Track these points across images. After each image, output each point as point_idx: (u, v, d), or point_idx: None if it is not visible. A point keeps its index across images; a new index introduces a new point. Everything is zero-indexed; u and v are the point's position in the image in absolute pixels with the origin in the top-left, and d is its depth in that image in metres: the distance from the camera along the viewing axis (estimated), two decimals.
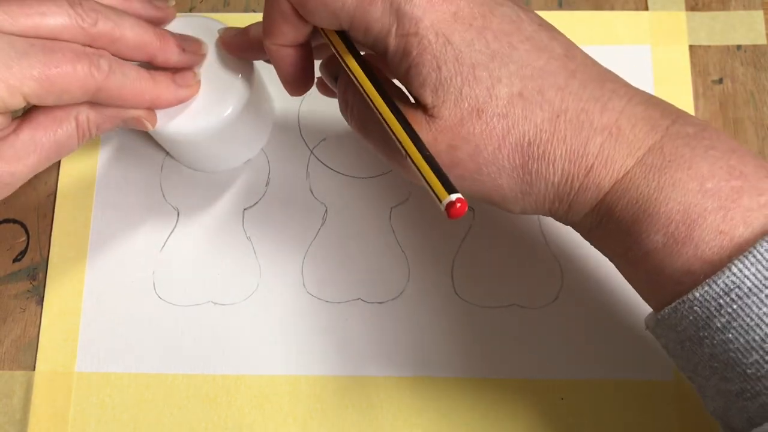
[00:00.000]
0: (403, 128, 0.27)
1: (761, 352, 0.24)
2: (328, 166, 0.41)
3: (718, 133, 0.27)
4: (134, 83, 0.31)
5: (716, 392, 0.26)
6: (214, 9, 0.44)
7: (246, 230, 0.40)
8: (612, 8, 0.43)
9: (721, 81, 0.42)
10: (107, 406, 0.38)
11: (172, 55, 0.33)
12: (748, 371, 0.24)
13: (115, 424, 0.38)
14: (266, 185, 0.41)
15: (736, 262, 0.24)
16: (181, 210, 0.41)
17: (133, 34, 0.31)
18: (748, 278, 0.24)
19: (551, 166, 0.27)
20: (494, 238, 0.40)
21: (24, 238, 0.40)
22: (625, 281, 0.29)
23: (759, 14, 0.42)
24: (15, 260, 0.40)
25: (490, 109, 0.26)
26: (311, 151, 0.41)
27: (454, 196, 0.24)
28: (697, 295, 0.24)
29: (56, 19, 0.29)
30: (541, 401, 0.37)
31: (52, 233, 0.40)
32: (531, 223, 0.40)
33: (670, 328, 0.26)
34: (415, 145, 0.26)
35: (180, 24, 0.35)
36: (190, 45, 0.34)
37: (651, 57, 0.42)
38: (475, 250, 0.39)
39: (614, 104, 0.27)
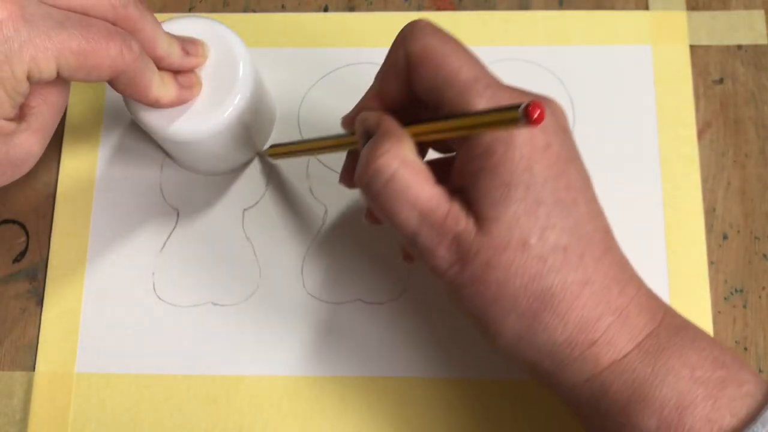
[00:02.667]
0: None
1: None
2: (328, 167, 0.41)
3: (696, 327, 0.29)
4: (150, 75, 0.31)
5: None
6: (214, 9, 0.44)
7: (246, 231, 0.40)
8: (612, 8, 0.43)
9: (721, 81, 0.42)
10: (107, 407, 0.38)
11: (176, 57, 0.33)
12: None
13: (115, 424, 0.38)
14: (266, 186, 0.41)
15: None
16: (181, 210, 0.41)
17: (150, 30, 0.31)
18: None
19: (561, 326, 0.27)
20: None
21: (24, 238, 0.40)
22: None
23: (760, 14, 0.42)
24: (15, 261, 0.40)
25: (535, 249, 0.27)
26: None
27: (524, 104, 0.23)
28: None
29: None
30: (541, 401, 0.37)
31: (52, 234, 0.40)
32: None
33: None
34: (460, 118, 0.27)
35: (180, 25, 0.35)
36: (193, 47, 0.34)
37: (651, 57, 0.42)
38: None
39: (629, 290, 0.28)
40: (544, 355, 0.28)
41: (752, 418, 0.26)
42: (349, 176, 0.34)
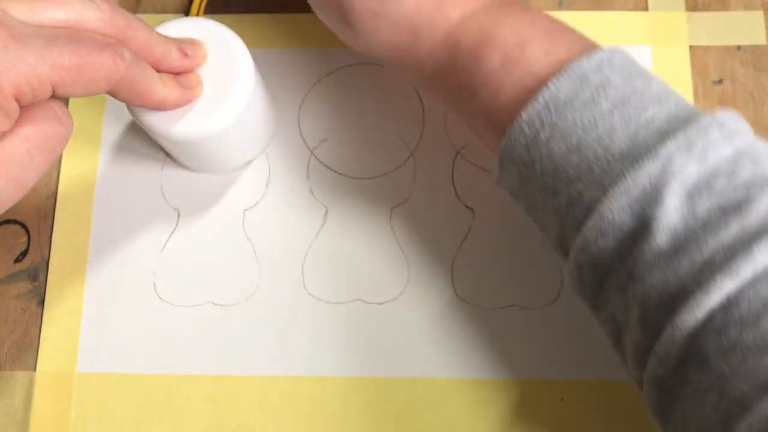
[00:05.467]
0: None
1: (578, 153, 0.27)
2: (328, 167, 0.41)
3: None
4: (150, 80, 0.31)
5: (552, 214, 0.29)
6: (214, 9, 0.44)
7: (246, 231, 0.40)
8: (612, 8, 0.43)
9: (721, 81, 0.42)
10: (108, 407, 0.38)
11: (175, 59, 0.33)
12: (571, 174, 0.28)
13: (115, 424, 0.38)
14: (267, 186, 0.41)
15: (552, 79, 0.28)
16: (181, 210, 0.41)
17: (142, 36, 0.31)
18: (562, 92, 0.27)
19: None
20: (494, 239, 0.40)
21: (25, 238, 0.40)
22: None
23: (759, 14, 0.42)
24: (16, 261, 0.40)
25: None
26: (311, 152, 0.41)
27: None
28: (524, 115, 0.28)
29: (74, 8, 0.28)
30: (541, 401, 0.37)
31: (53, 234, 0.40)
32: (531, 224, 0.40)
33: (511, 162, 0.30)
34: None
35: (180, 26, 0.35)
36: (191, 48, 0.34)
37: (651, 57, 0.42)
38: (476, 251, 0.39)
39: None
40: (401, 29, 0.31)
41: (584, 54, 0.28)
42: None
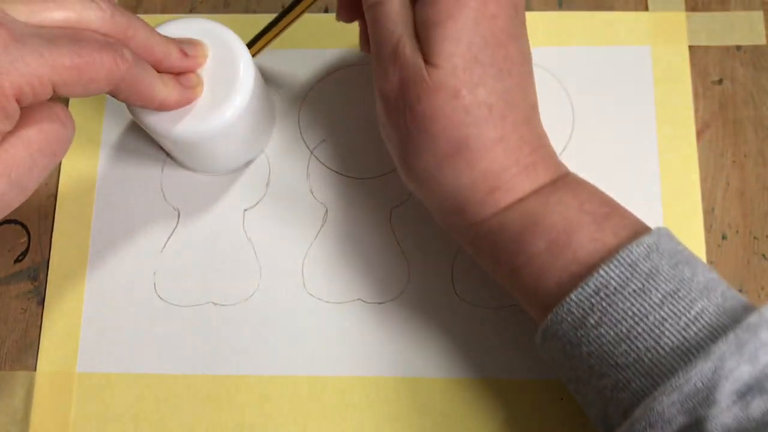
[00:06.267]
0: None
1: (628, 342, 0.28)
2: (328, 167, 0.41)
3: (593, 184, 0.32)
4: (150, 80, 0.31)
5: (596, 393, 0.29)
6: (214, 10, 0.44)
7: (246, 231, 0.40)
8: (612, 8, 0.43)
9: (720, 81, 0.42)
10: (108, 406, 0.38)
11: (175, 59, 0.33)
12: (619, 361, 0.28)
13: (115, 424, 0.38)
14: (267, 186, 0.41)
15: (603, 265, 0.28)
16: (181, 210, 0.41)
17: (143, 35, 0.31)
18: (613, 279, 0.28)
19: (467, 171, 0.30)
20: None
21: (25, 238, 0.40)
22: None
23: (759, 15, 0.42)
24: (16, 261, 0.40)
25: (464, 100, 0.29)
26: (311, 152, 0.41)
27: None
28: (573, 297, 0.28)
29: (74, 8, 0.28)
30: (541, 401, 0.37)
31: (53, 234, 0.40)
32: None
33: (555, 337, 0.30)
34: None
35: (180, 26, 0.35)
36: (192, 48, 0.34)
37: (651, 57, 0.42)
38: None
39: (541, 151, 0.31)
40: (448, 195, 0.31)
41: (633, 240, 0.29)
42: (345, 8, 0.36)
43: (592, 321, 0.28)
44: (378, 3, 0.31)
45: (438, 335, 0.39)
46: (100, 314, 0.39)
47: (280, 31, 0.38)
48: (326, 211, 0.40)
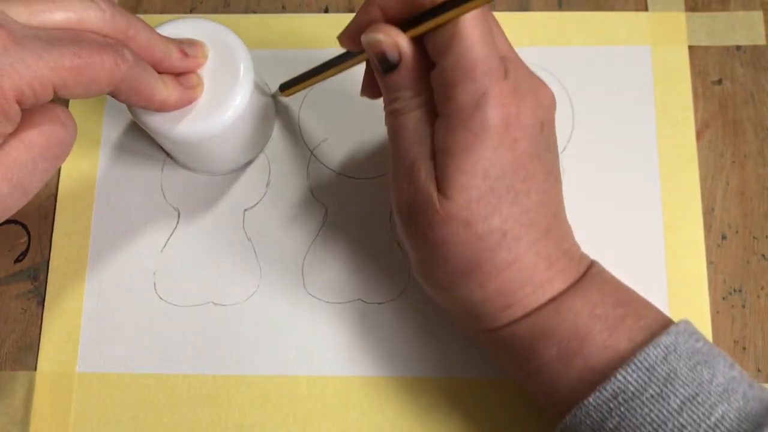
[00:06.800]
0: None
1: None
2: (328, 167, 0.41)
3: (610, 275, 0.32)
4: (151, 80, 0.31)
5: None
6: (215, 10, 0.44)
7: (246, 231, 0.40)
8: (612, 9, 0.43)
9: (720, 82, 0.42)
10: (108, 406, 0.38)
11: (176, 59, 0.33)
12: None
13: (116, 424, 0.38)
14: (267, 186, 0.41)
15: (620, 370, 0.28)
16: (181, 210, 0.41)
17: (143, 36, 0.31)
18: (631, 384, 0.28)
19: (480, 290, 0.30)
20: None
21: (25, 239, 0.40)
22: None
23: (758, 15, 0.42)
24: (16, 261, 0.40)
25: (476, 229, 0.29)
26: (311, 152, 0.41)
27: None
28: (591, 400, 0.28)
29: (74, 8, 0.28)
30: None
31: (53, 234, 0.40)
32: None
33: None
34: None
35: (180, 26, 0.35)
36: (192, 48, 0.34)
37: (651, 57, 0.42)
38: None
39: (559, 264, 0.30)
40: (460, 306, 0.31)
41: (649, 342, 0.28)
42: (369, 88, 0.35)
43: (611, 425, 0.28)
44: (397, 112, 0.31)
45: (438, 335, 0.39)
46: (100, 314, 0.39)
47: (319, 81, 0.37)
48: (326, 211, 0.40)
